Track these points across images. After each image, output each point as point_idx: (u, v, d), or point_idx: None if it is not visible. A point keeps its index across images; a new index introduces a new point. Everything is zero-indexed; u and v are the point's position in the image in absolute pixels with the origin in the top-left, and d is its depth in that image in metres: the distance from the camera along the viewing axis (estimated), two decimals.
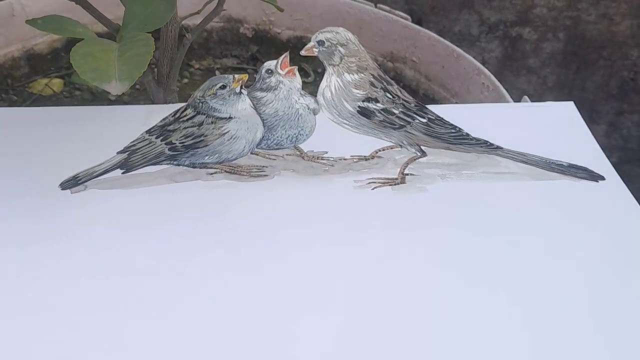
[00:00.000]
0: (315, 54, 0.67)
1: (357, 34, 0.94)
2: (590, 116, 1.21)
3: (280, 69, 0.67)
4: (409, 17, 0.91)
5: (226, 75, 0.65)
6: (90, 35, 0.58)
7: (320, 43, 0.67)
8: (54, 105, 0.89)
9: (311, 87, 0.96)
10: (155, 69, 0.73)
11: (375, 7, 0.93)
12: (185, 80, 0.96)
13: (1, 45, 0.88)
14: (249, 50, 1.00)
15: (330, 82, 0.67)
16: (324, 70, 0.68)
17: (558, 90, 1.19)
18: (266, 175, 0.63)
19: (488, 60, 1.16)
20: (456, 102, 0.86)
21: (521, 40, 1.15)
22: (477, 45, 1.15)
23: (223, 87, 0.64)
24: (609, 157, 0.68)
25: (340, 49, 0.67)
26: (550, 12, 1.13)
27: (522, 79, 1.19)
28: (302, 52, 0.68)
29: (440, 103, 0.88)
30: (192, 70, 0.98)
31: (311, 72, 0.97)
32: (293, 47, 0.99)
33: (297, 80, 0.67)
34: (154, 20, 0.58)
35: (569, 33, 1.15)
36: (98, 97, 0.90)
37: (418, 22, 1.14)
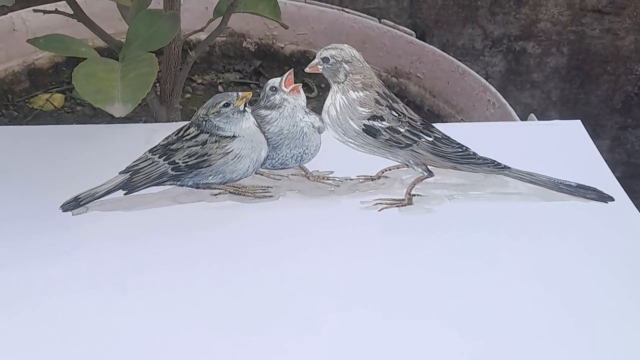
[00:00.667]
0: (320, 71, 0.66)
1: (361, 49, 0.93)
2: (594, 131, 1.20)
3: (285, 86, 0.66)
4: (413, 33, 0.90)
5: (230, 93, 0.64)
6: (93, 55, 0.57)
7: (325, 60, 0.66)
8: (55, 120, 0.88)
9: (314, 102, 0.95)
10: (158, 86, 0.72)
11: (380, 22, 0.93)
12: (188, 95, 0.95)
13: (2, 60, 0.87)
14: (252, 64, 1.00)
15: (335, 100, 0.66)
16: (327, 85, 0.67)
17: (562, 104, 1.18)
18: (271, 196, 0.62)
19: (492, 74, 1.16)
20: (462, 119, 0.85)
21: (525, 55, 1.15)
22: (481, 59, 1.15)
23: (227, 105, 0.63)
24: (612, 172, 0.67)
25: (345, 66, 0.66)
26: (554, 27, 1.12)
27: (526, 93, 1.18)
28: (307, 69, 0.67)
29: (446, 119, 0.87)
30: (194, 85, 0.97)
31: (314, 87, 0.97)
32: (296, 62, 0.98)
33: (302, 98, 0.66)
34: (157, 39, 0.57)
35: (573, 47, 1.14)
36: (99, 113, 0.89)
37: (422, 36, 1.13)
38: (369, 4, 1.13)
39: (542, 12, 1.10)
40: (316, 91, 0.96)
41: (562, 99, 1.18)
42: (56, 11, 0.64)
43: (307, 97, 0.92)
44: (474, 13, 1.11)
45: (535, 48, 1.14)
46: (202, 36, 0.70)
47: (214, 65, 1.00)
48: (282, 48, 0.98)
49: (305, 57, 0.97)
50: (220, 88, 0.97)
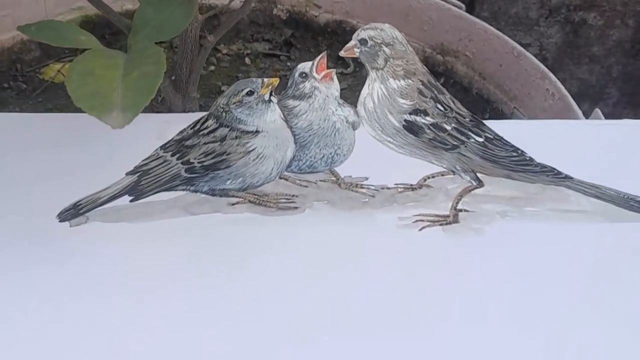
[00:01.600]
0: (357, 54, 0.59)
1: (404, 22, 0.85)
2: None
3: (316, 72, 0.57)
4: (462, 6, 0.80)
5: (254, 79, 0.56)
6: (94, 45, 0.49)
7: (363, 42, 0.58)
8: (66, 95, 0.80)
9: (350, 79, 0.86)
10: (173, 76, 0.64)
11: None
12: (212, 68, 0.87)
13: (8, 28, 0.80)
14: (283, 34, 0.91)
15: (372, 90, 0.58)
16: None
17: (623, 81, 1.08)
18: (296, 208, 0.55)
19: (547, 46, 1.05)
20: (514, 107, 0.76)
21: (585, 26, 1.04)
22: (535, 30, 1.04)
23: (250, 93, 0.55)
24: None
25: (385, 49, 0.58)
26: None
27: (584, 67, 1.08)
28: (342, 53, 0.59)
29: (496, 105, 0.78)
30: (219, 56, 0.89)
31: (351, 62, 0.88)
32: (331, 33, 0.89)
33: (335, 86, 0.58)
34: (168, 27, 0.50)
35: (639, 20, 1.03)
36: None
37: (471, 3, 1.03)
38: None
39: None
40: (352, 66, 0.88)
41: (624, 75, 1.08)
42: None
43: (342, 74, 0.84)
44: None
45: (597, 19, 1.03)
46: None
47: (242, 33, 0.91)
48: (316, 17, 0.89)
49: (341, 28, 0.88)
50: (247, 60, 0.88)
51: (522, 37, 0.99)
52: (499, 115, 0.77)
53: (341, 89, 0.84)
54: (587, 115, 0.69)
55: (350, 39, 0.93)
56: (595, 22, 1.04)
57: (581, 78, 1.08)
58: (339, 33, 0.89)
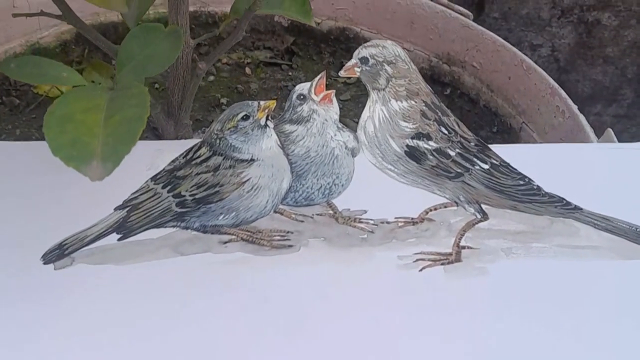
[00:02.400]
0: (357, 74, 0.56)
1: (409, 29, 0.82)
2: None
3: (315, 93, 0.55)
4: (470, 15, 0.77)
5: (250, 102, 0.54)
6: (77, 80, 0.46)
7: (364, 61, 0.56)
8: None
9: (354, 89, 0.84)
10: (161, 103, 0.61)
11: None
12: (211, 78, 0.84)
13: (1, 42, 0.78)
14: (285, 41, 0.88)
15: (373, 112, 0.56)
16: None
17: (638, 82, 1.04)
18: (290, 246, 0.52)
19: (559, 47, 1.02)
20: (523, 122, 0.73)
21: (599, 26, 1.01)
22: (547, 30, 1.01)
23: (245, 117, 0.53)
24: None
25: (387, 68, 0.55)
26: None
27: (598, 69, 1.04)
28: (342, 73, 0.57)
29: (505, 119, 0.75)
30: (219, 65, 0.86)
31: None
32: (334, 40, 0.86)
33: (334, 109, 0.56)
34: (155, 62, 0.47)
35: None
36: None
37: (480, 3, 0.99)
38: None
39: None
40: None
41: (639, 76, 1.04)
42: (41, 13, 0.54)
43: (345, 83, 0.81)
44: None
45: (612, 19, 1.00)
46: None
47: (242, 41, 0.88)
48: (318, 24, 0.86)
49: (344, 35, 0.86)
50: (248, 69, 0.86)
51: (533, 38, 0.96)
52: (507, 129, 0.75)
53: (344, 100, 0.82)
54: (597, 127, 0.66)
55: (354, 47, 0.90)
56: (610, 23, 1.00)
57: (595, 79, 1.05)
58: (342, 40, 0.86)
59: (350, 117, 0.78)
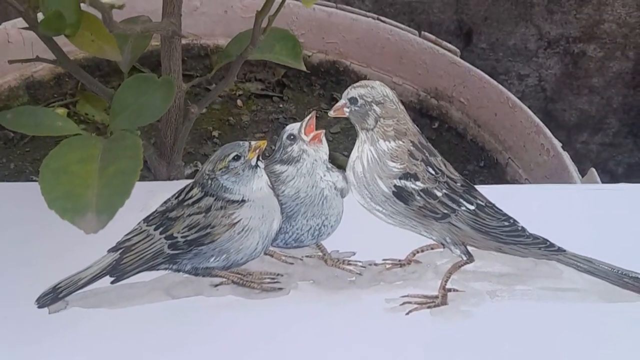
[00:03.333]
0: (346, 114, 0.57)
1: (398, 64, 0.83)
2: None
3: (305, 133, 0.56)
4: (458, 51, 0.79)
5: (241, 143, 0.55)
6: (73, 130, 0.48)
7: (353, 101, 0.57)
8: (54, 143, 0.79)
9: (344, 122, 0.85)
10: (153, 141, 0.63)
11: (420, 35, 0.81)
12: (203, 110, 0.85)
13: None
14: (276, 73, 0.89)
15: (362, 152, 0.57)
16: None
17: (624, 112, 1.06)
18: (280, 289, 0.53)
19: (545, 77, 1.03)
20: (509, 157, 0.74)
21: (585, 58, 1.02)
22: (534, 61, 1.03)
23: (237, 157, 0.54)
24: None
25: (376, 108, 0.57)
26: (620, 29, 0.99)
27: (584, 98, 1.06)
28: (331, 113, 0.58)
29: (491, 154, 0.77)
30: None
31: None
32: (325, 73, 0.87)
33: (324, 149, 0.57)
34: (148, 110, 0.48)
35: None
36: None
37: (468, 34, 1.01)
38: None
39: (608, 13, 0.98)
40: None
41: (625, 105, 1.06)
42: (37, 59, 0.55)
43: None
44: (529, 11, 0.99)
45: (597, 51, 1.02)
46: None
47: None
48: (309, 57, 0.87)
49: (334, 68, 0.87)
50: (239, 102, 0.87)
51: (520, 68, 0.98)
52: (494, 164, 0.76)
53: (334, 133, 0.83)
54: (583, 155, 0.67)
55: (344, 79, 0.92)
56: (595, 54, 1.02)
57: (581, 109, 1.06)
58: (332, 73, 0.87)
59: (340, 150, 0.79)
